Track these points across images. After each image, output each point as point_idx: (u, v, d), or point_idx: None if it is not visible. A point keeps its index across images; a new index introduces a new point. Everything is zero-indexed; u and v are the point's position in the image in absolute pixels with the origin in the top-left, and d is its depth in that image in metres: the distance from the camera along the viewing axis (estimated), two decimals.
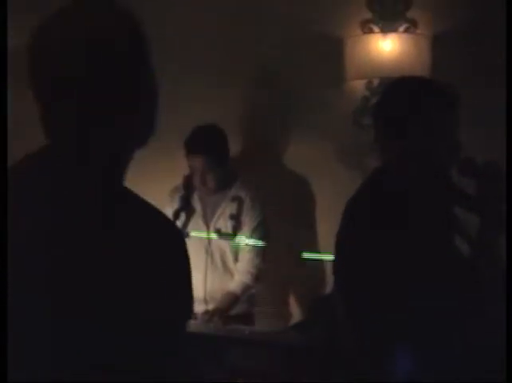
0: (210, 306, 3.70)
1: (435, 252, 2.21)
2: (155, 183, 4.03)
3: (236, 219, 3.74)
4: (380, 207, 2.25)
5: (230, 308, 3.67)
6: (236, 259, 3.78)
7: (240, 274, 3.75)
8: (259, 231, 3.77)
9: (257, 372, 3.01)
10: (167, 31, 4.27)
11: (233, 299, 3.71)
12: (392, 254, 2.19)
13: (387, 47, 3.94)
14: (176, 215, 3.24)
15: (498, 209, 2.25)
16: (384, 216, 2.22)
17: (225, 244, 3.77)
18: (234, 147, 3.95)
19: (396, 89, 2.48)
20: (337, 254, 2.40)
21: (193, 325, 3.35)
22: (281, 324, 3.89)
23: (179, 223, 3.27)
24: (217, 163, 3.65)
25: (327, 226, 4.00)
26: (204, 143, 3.65)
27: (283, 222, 4.05)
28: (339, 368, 2.55)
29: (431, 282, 2.17)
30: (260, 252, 3.76)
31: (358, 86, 4.12)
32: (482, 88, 3.90)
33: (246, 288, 3.74)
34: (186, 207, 3.32)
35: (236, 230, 3.74)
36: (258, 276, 3.75)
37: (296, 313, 4.17)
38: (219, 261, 3.77)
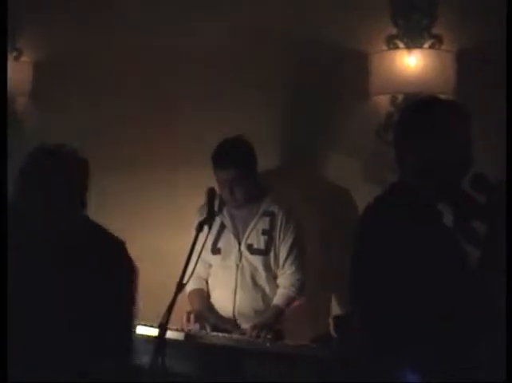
0: (239, 322, 3.71)
1: (451, 265, 2.25)
2: (185, 200, 4.06)
3: (269, 235, 3.73)
4: (396, 222, 2.29)
5: (276, 322, 3.64)
6: (271, 276, 3.76)
7: (284, 288, 3.72)
8: (297, 246, 3.74)
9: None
10: (192, 46, 4.33)
11: (279, 313, 3.68)
12: (408, 268, 2.22)
13: (412, 63, 3.96)
14: (200, 227, 3.23)
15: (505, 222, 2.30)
16: (400, 230, 2.26)
17: (257, 260, 3.74)
18: (265, 161, 3.95)
19: (414, 107, 2.58)
20: (354, 268, 2.44)
21: (223, 339, 3.36)
22: (306, 338, 3.88)
23: (203, 237, 3.26)
24: (245, 176, 3.64)
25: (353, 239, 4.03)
26: (231, 156, 3.63)
27: (312, 238, 4.04)
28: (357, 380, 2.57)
29: (447, 295, 2.20)
30: (301, 266, 3.74)
31: (383, 102, 4.13)
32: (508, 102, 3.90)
33: (291, 301, 3.71)
34: (209, 219, 3.31)
35: (269, 246, 3.73)
36: (302, 289, 3.73)
37: (320, 327, 4.17)
38: (249, 277, 3.74)
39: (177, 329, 3.36)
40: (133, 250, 4.42)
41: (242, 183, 3.64)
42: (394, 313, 2.25)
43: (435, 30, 4.10)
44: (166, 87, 4.42)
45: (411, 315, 2.22)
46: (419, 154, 2.42)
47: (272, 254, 3.73)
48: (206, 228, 3.26)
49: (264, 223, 3.73)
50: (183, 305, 3.68)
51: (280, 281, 3.75)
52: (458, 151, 2.42)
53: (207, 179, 3.68)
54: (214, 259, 3.80)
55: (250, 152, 3.70)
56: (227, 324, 3.72)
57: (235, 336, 3.45)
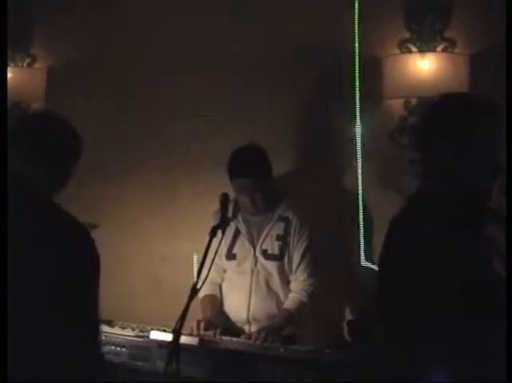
0: (253, 328, 3.69)
1: (474, 273, 2.21)
2: (201, 206, 4.07)
3: (283, 240, 3.72)
4: (421, 228, 2.25)
5: (286, 326, 3.64)
6: (284, 281, 3.74)
7: (296, 293, 3.72)
8: (310, 252, 3.73)
9: None
10: (202, 49, 4.34)
11: (289, 317, 3.67)
12: (432, 274, 2.19)
13: (425, 66, 3.95)
14: (213, 232, 3.23)
15: None
16: (425, 237, 2.22)
17: (271, 266, 3.74)
18: (279, 168, 3.95)
19: (434, 109, 2.46)
20: (380, 273, 2.41)
21: (237, 343, 3.36)
22: (320, 343, 3.87)
23: (217, 242, 3.27)
24: (262, 184, 3.63)
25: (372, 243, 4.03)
26: (247, 165, 3.62)
27: (329, 242, 4.03)
28: None
29: (470, 302, 2.17)
30: (314, 272, 3.73)
31: (396, 105, 4.13)
32: None
33: (302, 306, 3.69)
34: (223, 224, 3.31)
35: (283, 252, 3.72)
36: (314, 294, 3.71)
37: (333, 332, 4.16)
38: (264, 283, 3.73)
39: (191, 335, 3.36)
40: (147, 256, 4.49)
41: (261, 190, 3.64)
42: (420, 325, 2.22)
43: (448, 34, 4.09)
44: (173, 92, 4.43)
45: (438, 327, 2.19)
46: (444, 160, 2.31)
47: (286, 260, 3.73)
48: (219, 233, 3.27)
49: (279, 229, 3.73)
50: (198, 310, 3.70)
51: (292, 286, 3.75)
52: (485, 154, 2.29)
53: (221, 186, 3.68)
54: (229, 265, 3.80)
55: (265, 159, 3.69)
56: (239, 330, 3.73)
57: (249, 341, 3.44)
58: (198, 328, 3.52)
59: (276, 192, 3.78)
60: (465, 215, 2.28)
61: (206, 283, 3.64)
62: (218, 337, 3.46)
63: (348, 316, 4.19)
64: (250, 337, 3.53)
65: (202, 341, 3.26)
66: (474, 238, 2.28)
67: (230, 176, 3.65)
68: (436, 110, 2.42)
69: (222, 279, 3.86)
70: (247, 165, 3.62)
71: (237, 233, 3.77)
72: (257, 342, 3.39)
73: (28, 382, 2.02)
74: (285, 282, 3.76)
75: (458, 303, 2.17)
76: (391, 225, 2.37)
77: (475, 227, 2.31)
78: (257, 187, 3.62)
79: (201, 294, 3.73)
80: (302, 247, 3.71)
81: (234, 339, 3.43)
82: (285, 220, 3.73)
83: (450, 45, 4.09)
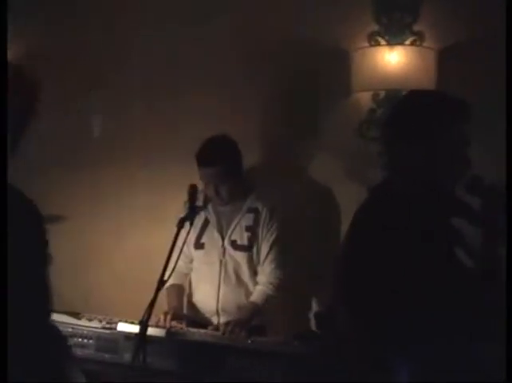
0: (222, 319, 3.69)
1: (437, 264, 2.23)
2: (171, 196, 4.06)
3: (252, 231, 3.73)
4: (384, 220, 2.26)
5: (252, 319, 3.64)
6: (253, 272, 3.76)
7: (262, 285, 3.72)
8: (279, 243, 3.74)
9: (256, 380, 3.02)
10: (179, 46, 4.32)
11: (255, 310, 3.68)
12: (395, 265, 2.21)
13: (393, 59, 3.96)
14: (181, 223, 3.23)
15: (501, 226, 2.28)
16: (388, 228, 2.24)
17: (240, 256, 3.74)
18: (249, 159, 3.95)
19: (404, 103, 2.50)
20: (342, 264, 2.42)
21: (204, 335, 3.35)
22: (287, 335, 3.88)
23: (185, 233, 3.27)
24: (229, 174, 3.63)
25: (335, 237, 4.03)
26: (214, 154, 3.62)
27: (296, 234, 4.04)
28: (340, 376, 2.57)
29: (433, 292, 2.19)
30: (281, 263, 3.74)
31: (364, 98, 4.14)
32: (488, 101, 3.92)
33: (268, 299, 3.70)
34: (190, 215, 3.31)
35: (252, 243, 3.73)
36: (280, 287, 3.72)
37: (301, 323, 4.17)
38: (233, 273, 3.74)
39: (158, 326, 3.35)
40: (118, 248, 4.47)
41: (226, 181, 3.63)
42: (382, 313, 2.24)
43: (417, 27, 4.11)
44: (149, 84, 4.41)
45: (400, 315, 2.21)
46: (409, 153, 2.35)
47: (255, 251, 3.74)
48: (188, 224, 3.27)
49: (248, 220, 3.74)
50: (165, 301, 3.69)
51: (259, 278, 3.76)
52: (452, 151, 2.35)
53: (194, 176, 3.67)
54: (197, 254, 3.80)
55: (235, 149, 3.70)
56: (208, 321, 3.73)
57: (217, 332, 3.44)
58: (165, 319, 3.52)
59: (246, 183, 3.78)
60: (430, 207, 2.31)
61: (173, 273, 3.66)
62: (185, 328, 3.46)
63: (316, 308, 4.20)
64: (217, 328, 3.54)
65: (169, 332, 3.26)
66: (438, 230, 2.31)
67: (197, 165, 3.65)
68: (405, 105, 2.47)
69: (190, 269, 3.86)
70: (214, 154, 3.62)
71: (206, 223, 3.76)
72: (225, 334, 3.40)
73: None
74: (254, 272, 3.77)
75: (422, 294, 2.19)
76: (355, 216, 2.40)
77: (440, 218, 2.34)
78: (223, 177, 3.62)
79: (166, 284, 3.74)
80: (271, 239, 3.72)
81: (201, 331, 3.43)
82: (255, 211, 3.73)
83: (418, 39, 4.10)
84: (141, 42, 4.40)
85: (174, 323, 3.49)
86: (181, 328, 3.45)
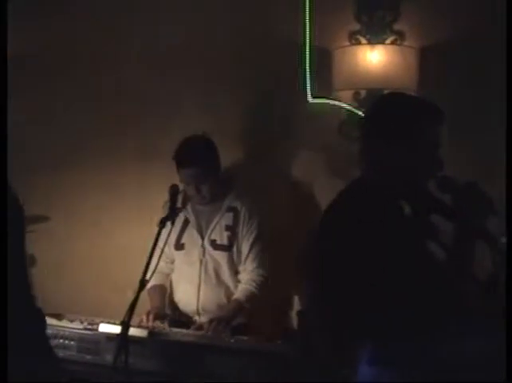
0: (203, 318, 3.69)
1: (411, 260, 2.25)
2: (151, 197, 4.05)
3: (232, 231, 3.73)
4: (358, 218, 2.29)
5: (235, 316, 3.65)
6: (233, 272, 3.76)
7: (245, 283, 3.72)
8: (259, 242, 3.75)
9: (239, 379, 3.02)
10: (159, 44, 4.31)
11: (238, 307, 3.68)
12: (369, 262, 2.22)
13: (374, 58, 3.97)
14: (162, 223, 3.22)
15: (473, 224, 2.30)
16: (362, 226, 2.26)
17: (220, 256, 3.74)
18: (229, 159, 3.96)
19: (384, 103, 2.54)
20: (314, 264, 2.44)
21: (186, 335, 3.35)
22: (270, 333, 3.88)
23: (166, 233, 3.26)
24: (209, 174, 3.63)
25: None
26: (193, 155, 3.62)
27: (277, 233, 4.04)
28: (316, 375, 2.58)
29: (408, 287, 2.21)
30: (263, 262, 3.75)
31: (345, 97, 4.14)
32: (469, 101, 3.95)
33: (252, 296, 3.70)
34: (171, 215, 3.30)
35: (232, 242, 3.73)
36: (263, 284, 3.73)
37: (284, 322, 4.18)
38: (213, 273, 3.74)
39: (140, 327, 3.34)
40: (96, 248, 4.45)
41: (207, 180, 3.63)
42: (354, 310, 2.26)
43: (397, 26, 4.12)
44: (131, 83, 4.39)
45: (372, 311, 2.23)
46: (383, 152, 2.39)
47: (235, 250, 3.74)
48: (169, 224, 3.27)
49: (227, 219, 3.74)
50: (147, 301, 3.68)
51: (242, 276, 3.76)
52: (426, 152, 2.38)
53: (174, 177, 3.67)
54: (178, 255, 3.80)
55: (213, 149, 3.70)
56: (189, 320, 3.74)
57: (199, 332, 3.44)
58: (147, 320, 3.52)
59: (225, 183, 3.78)
60: (404, 203, 2.34)
61: (154, 273, 3.66)
62: (167, 328, 3.46)
63: (298, 306, 4.20)
64: (199, 328, 3.54)
65: (151, 333, 3.25)
66: (413, 226, 2.34)
67: (176, 166, 3.64)
68: (384, 105, 2.52)
69: (171, 270, 3.86)
70: (193, 155, 3.62)
71: (186, 223, 3.77)
72: (208, 333, 3.40)
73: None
74: (235, 272, 3.77)
75: (398, 290, 2.20)
76: (326, 212, 2.42)
77: (415, 214, 2.38)
78: (203, 177, 3.62)
79: (148, 285, 3.73)
80: (251, 238, 3.73)
81: (183, 330, 3.44)
82: (234, 211, 3.74)
83: (399, 38, 4.12)
84: (115, 43, 4.38)
85: (157, 323, 3.49)
86: (163, 328, 3.45)
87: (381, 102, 2.59)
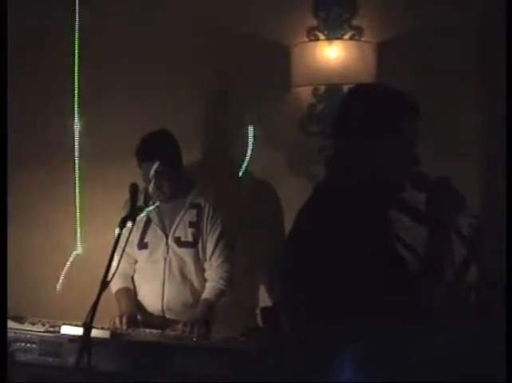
0: (168, 316, 3.69)
1: (379, 261, 2.23)
2: (112, 197, 4.02)
3: (196, 227, 3.71)
4: (327, 217, 2.26)
5: (207, 315, 3.63)
6: (199, 269, 3.74)
7: (212, 281, 3.71)
8: (224, 238, 3.73)
9: (202, 378, 3.00)
10: (117, 39, 4.27)
11: (209, 306, 3.67)
12: (336, 262, 2.20)
13: (332, 54, 3.98)
14: (123, 222, 3.19)
15: (446, 223, 2.29)
16: (330, 225, 2.23)
17: (185, 253, 3.72)
18: (190, 155, 3.94)
19: (348, 98, 2.45)
20: (283, 260, 2.42)
21: (149, 335, 3.33)
22: (234, 331, 3.88)
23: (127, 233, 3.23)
24: (170, 169, 3.61)
25: (279, 230, 4.04)
26: (153, 149, 3.60)
27: (240, 229, 4.03)
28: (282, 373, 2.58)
29: (374, 289, 2.19)
30: (229, 258, 3.74)
31: (305, 93, 4.15)
32: (426, 96, 3.97)
33: (221, 294, 3.70)
34: (132, 215, 3.27)
35: (197, 239, 3.72)
36: (231, 281, 3.72)
37: (248, 319, 4.17)
38: (177, 271, 3.72)
39: (102, 328, 3.31)
40: (57, 250, 4.40)
41: (167, 176, 3.62)
42: (322, 311, 2.25)
43: (355, 22, 4.15)
44: (93, 81, 4.35)
45: (340, 312, 2.22)
46: (356, 150, 2.27)
47: (200, 247, 3.73)
48: (130, 224, 3.24)
49: (191, 216, 3.72)
50: (108, 302, 3.65)
51: (208, 274, 3.75)
52: (402, 150, 2.28)
53: (136, 175, 3.64)
54: (141, 254, 3.78)
55: (174, 144, 3.68)
56: (158, 321, 3.71)
57: (161, 332, 3.42)
58: (121, 323, 3.49)
59: (187, 180, 3.77)
60: (373, 204, 2.30)
61: (118, 276, 3.65)
62: (130, 329, 3.44)
63: (263, 303, 4.20)
64: (166, 328, 3.53)
65: (113, 334, 3.22)
66: (380, 226, 2.31)
67: (137, 161, 3.63)
68: (353, 100, 2.38)
69: (134, 271, 3.83)
70: (153, 149, 3.60)
71: (148, 222, 3.75)
72: (185, 334, 3.39)
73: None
74: (200, 269, 3.76)
75: (367, 291, 2.20)
76: (299, 214, 2.38)
77: (383, 214, 2.35)
78: (164, 173, 3.60)
79: (114, 288, 3.72)
80: (216, 234, 3.72)
81: (146, 330, 3.41)
82: (198, 207, 3.73)
83: (357, 33, 4.14)
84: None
85: (130, 326, 3.48)
86: (133, 329, 3.43)
87: (352, 95, 2.44)
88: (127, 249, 3.56)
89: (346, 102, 2.38)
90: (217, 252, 3.73)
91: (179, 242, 3.72)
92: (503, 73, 3.23)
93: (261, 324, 3.77)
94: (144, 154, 3.60)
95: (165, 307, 3.72)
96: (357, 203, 2.25)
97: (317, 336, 2.25)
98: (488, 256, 2.47)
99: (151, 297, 3.77)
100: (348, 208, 2.24)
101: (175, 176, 3.65)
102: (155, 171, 3.58)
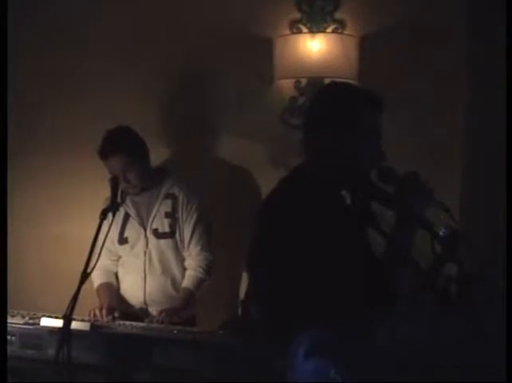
0: (151, 309, 3.69)
1: (350, 249, 2.27)
2: (93, 190, 4.00)
3: (172, 217, 3.72)
4: (298, 206, 2.29)
5: (187, 305, 3.65)
6: (179, 259, 3.75)
7: (191, 270, 3.72)
8: (200, 224, 3.74)
9: (183, 370, 3.00)
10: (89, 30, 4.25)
11: (189, 295, 3.68)
12: (308, 251, 2.23)
13: (315, 47, 3.98)
14: (103, 214, 3.19)
15: (413, 213, 2.33)
16: (300, 213, 2.27)
17: (163, 244, 3.73)
18: (165, 145, 3.97)
19: (325, 92, 2.55)
20: (251, 250, 2.45)
21: (130, 327, 3.33)
22: (213, 324, 3.88)
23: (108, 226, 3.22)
24: (133, 161, 3.60)
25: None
26: (113, 143, 3.60)
27: (216, 220, 4.02)
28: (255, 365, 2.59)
29: (345, 276, 2.22)
30: (206, 245, 3.75)
31: (287, 86, 4.15)
32: (409, 89, 3.99)
33: (200, 282, 3.71)
34: (112, 207, 3.27)
35: (174, 229, 3.72)
36: (210, 269, 3.73)
37: (227, 312, 4.17)
38: (157, 263, 3.73)
39: (82, 320, 3.30)
40: (38, 241, 4.39)
41: (133, 168, 3.62)
42: (291, 298, 2.27)
43: (338, 15, 4.15)
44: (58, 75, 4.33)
45: (310, 301, 2.24)
46: (325, 141, 2.39)
47: (177, 236, 3.73)
48: (110, 217, 3.23)
49: (166, 206, 3.73)
50: (88, 295, 3.64)
51: (187, 263, 3.76)
52: (366, 141, 2.39)
53: None
54: (123, 249, 3.78)
55: (135, 137, 3.68)
56: (141, 313, 3.72)
57: (142, 324, 3.42)
58: (101, 315, 3.49)
59: (159, 171, 3.80)
60: (345, 192, 2.36)
61: (100, 271, 3.66)
62: (110, 321, 3.43)
63: (243, 295, 4.20)
64: (149, 320, 3.53)
65: (93, 326, 3.22)
66: (353, 214, 2.36)
67: (101, 159, 3.62)
68: (325, 95, 2.53)
69: (117, 266, 3.83)
70: (113, 143, 3.60)
71: (126, 216, 3.75)
72: (158, 326, 3.38)
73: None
74: (180, 259, 3.77)
75: (338, 279, 2.22)
76: (266, 200, 2.43)
77: (355, 203, 2.39)
78: (128, 165, 3.59)
79: (96, 283, 3.73)
80: (192, 221, 3.73)
81: (126, 323, 3.40)
82: (172, 197, 3.74)
83: (340, 27, 4.14)
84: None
85: (109, 318, 3.47)
86: (113, 321, 3.42)
87: (322, 91, 2.61)
88: (109, 246, 3.60)
89: (315, 97, 2.57)
90: (194, 240, 3.74)
91: (156, 233, 3.72)
92: (491, 68, 3.25)
93: (240, 317, 3.78)
94: (105, 149, 3.60)
95: (147, 299, 3.73)
96: (326, 190, 2.34)
97: (284, 324, 2.28)
98: (470, 253, 2.49)
99: (133, 289, 3.78)
100: (317, 195, 2.30)
101: (139, 168, 3.65)
102: (118, 164, 3.58)
